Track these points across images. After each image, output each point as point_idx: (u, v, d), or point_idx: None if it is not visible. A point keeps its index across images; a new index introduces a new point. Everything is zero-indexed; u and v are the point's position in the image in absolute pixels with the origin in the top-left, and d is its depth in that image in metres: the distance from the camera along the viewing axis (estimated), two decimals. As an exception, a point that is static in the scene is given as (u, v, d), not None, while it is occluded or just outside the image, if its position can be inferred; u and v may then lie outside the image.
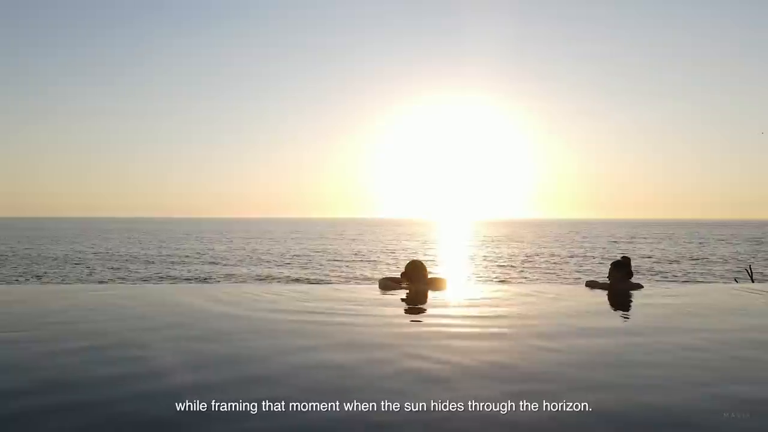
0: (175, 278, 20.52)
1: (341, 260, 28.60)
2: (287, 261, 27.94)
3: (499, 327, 3.52)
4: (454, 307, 4.55)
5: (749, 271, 9.39)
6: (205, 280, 19.88)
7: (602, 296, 5.17)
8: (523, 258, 29.84)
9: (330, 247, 39.69)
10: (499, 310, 4.27)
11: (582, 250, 36.17)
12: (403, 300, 4.77)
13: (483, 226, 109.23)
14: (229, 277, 20.87)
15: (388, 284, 5.40)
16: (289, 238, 53.46)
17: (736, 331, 3.59)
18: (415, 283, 5.38)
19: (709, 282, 18.90)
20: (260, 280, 20.29)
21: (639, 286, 5.52)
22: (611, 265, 5.64)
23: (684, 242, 46.05)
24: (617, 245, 42.21)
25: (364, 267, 25.34)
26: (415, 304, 4.59)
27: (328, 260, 28.42)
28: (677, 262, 27.79)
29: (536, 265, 25.84)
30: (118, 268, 23.59)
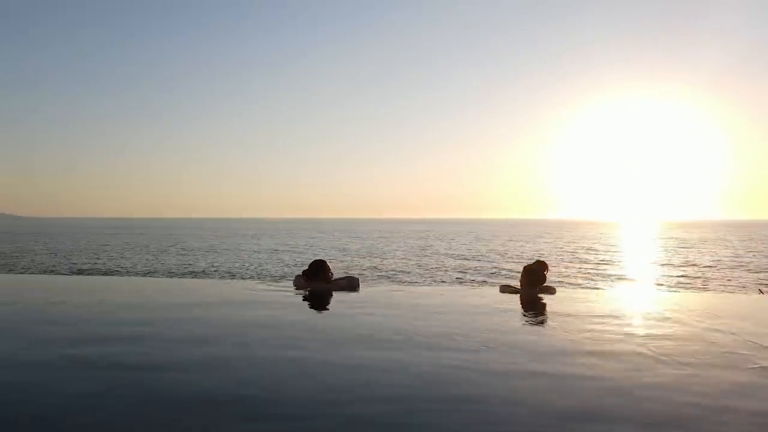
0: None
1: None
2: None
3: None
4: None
5: (776, 281, 8.23)
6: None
7: (492, 299, 5.33)
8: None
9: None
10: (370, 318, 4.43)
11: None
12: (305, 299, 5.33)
13: (674, 227, 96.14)
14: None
15: (300, 283, 5.88)
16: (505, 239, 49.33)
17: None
18: (313, 281, 5.78)
19: (719, 291, 15.49)
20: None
21: (550, 291, 5.41)
22: (523, 269, 5.55)
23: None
24: None
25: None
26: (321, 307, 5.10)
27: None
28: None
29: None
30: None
